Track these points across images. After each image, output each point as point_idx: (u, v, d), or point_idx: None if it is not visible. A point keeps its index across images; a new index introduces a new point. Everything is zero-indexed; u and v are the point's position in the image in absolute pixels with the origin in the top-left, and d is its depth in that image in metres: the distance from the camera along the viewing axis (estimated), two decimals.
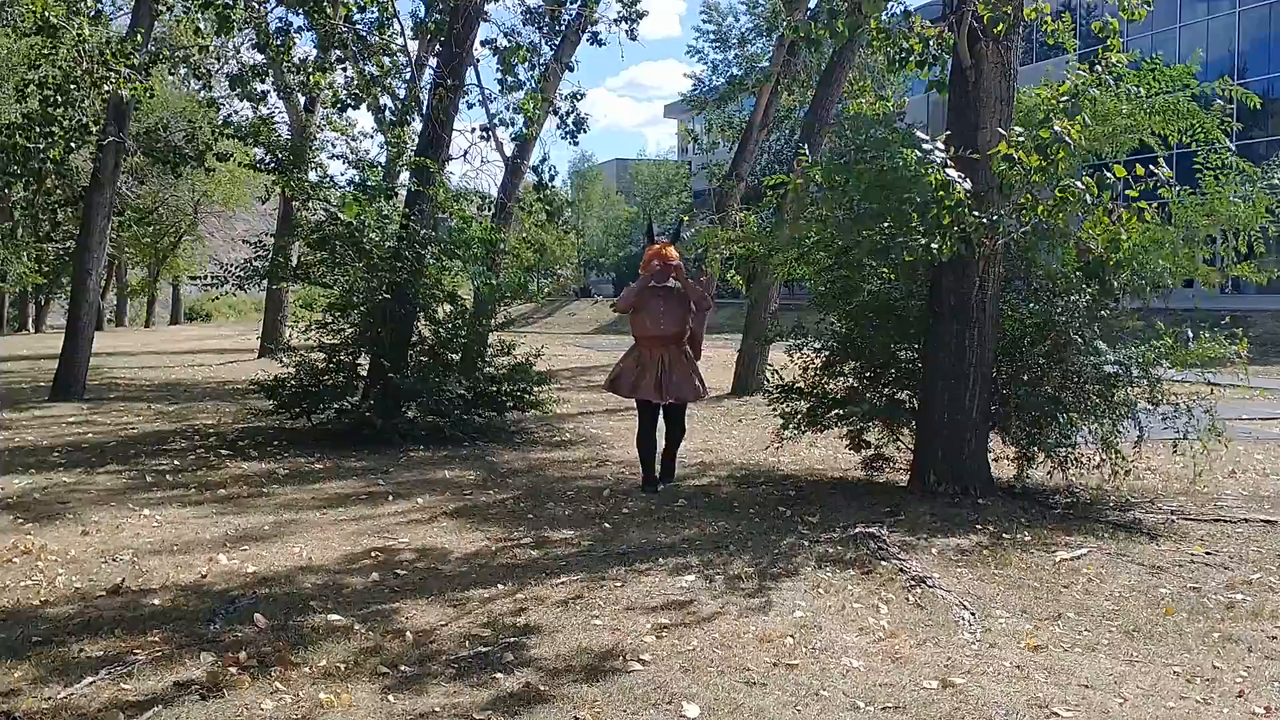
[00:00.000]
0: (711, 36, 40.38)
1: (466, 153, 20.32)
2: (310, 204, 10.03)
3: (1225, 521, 6.22)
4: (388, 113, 11.37)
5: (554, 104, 12.55)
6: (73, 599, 4.64)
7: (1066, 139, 5.75)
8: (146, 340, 31.94)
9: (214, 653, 3.89)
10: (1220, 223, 6.81)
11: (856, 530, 5.77)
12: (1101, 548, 5.57)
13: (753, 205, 7.90)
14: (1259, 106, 7.84)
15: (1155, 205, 6.67)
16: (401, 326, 9.75)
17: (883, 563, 5.19)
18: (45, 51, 11.33)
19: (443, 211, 10.41)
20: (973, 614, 4.44)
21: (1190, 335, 6.57)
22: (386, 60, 11.49)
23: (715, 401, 13.39)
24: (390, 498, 6.97)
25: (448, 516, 6.39)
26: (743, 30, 37.99)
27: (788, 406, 7.58)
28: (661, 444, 7.26)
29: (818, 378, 7.54)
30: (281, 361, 9.84)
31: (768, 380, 8.78)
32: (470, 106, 13.54)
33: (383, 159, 13.05)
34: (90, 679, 3.65)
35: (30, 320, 41.02)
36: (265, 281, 11.23)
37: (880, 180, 6.80)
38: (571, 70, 17.31)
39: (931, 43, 6.61)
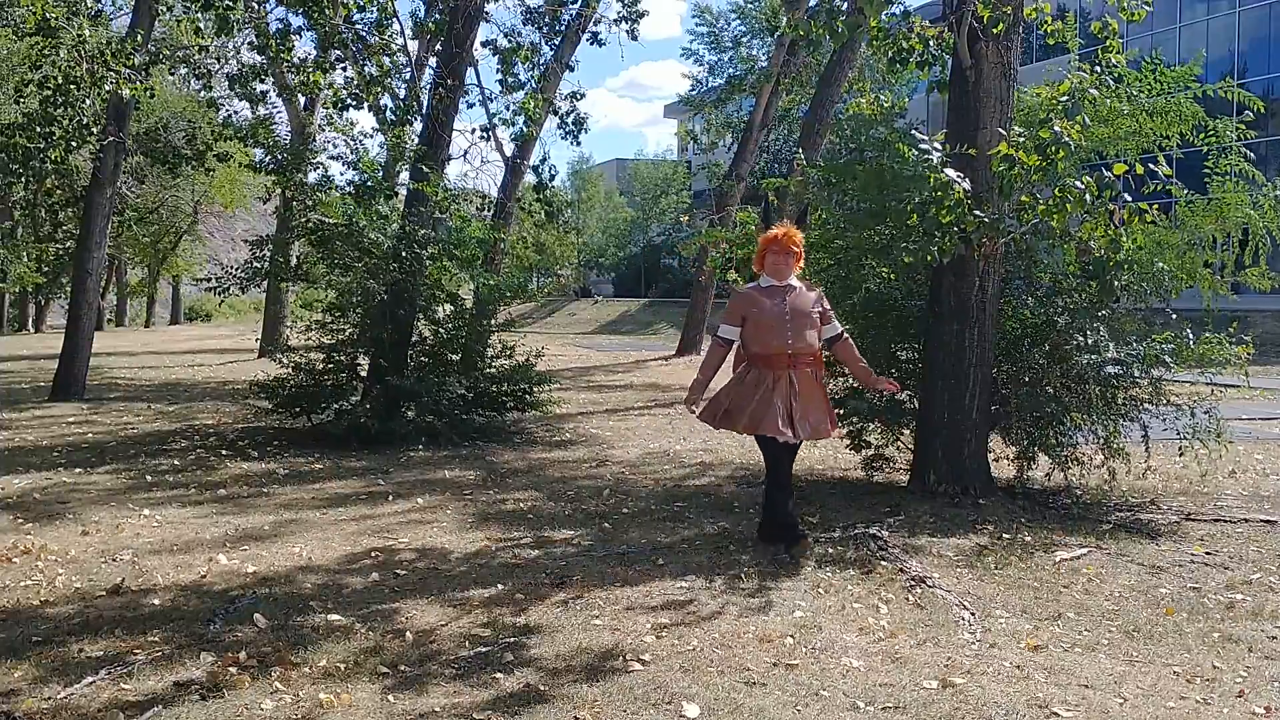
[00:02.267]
0: (706, 38, 40.44)
1: (466, 153, 20.36)
2: (306, 204, 10.05)
3: (1225, 521, 6.22)
4: (388, 113, 11.37)
5: (554, 104, 12.56)
6: (73, 599, 4.64)
7: (1066, 139, 5.75)
8: (146, 340, 31.96)
9: (214, 653, 3.89)
10: (1227, 228, 6.80)
11: (856, 530, 5.77)
12: (1101, 548, 5.57)
13: (752, 205, 7.87)
14: (1263, 110, 7.83)
15: (1156, 206, 6.67)
16: (401, 327, 9.75)
17: (883, 563, 5.19)
18: (45, 52, 11.33)
19: (441, 211, 10.41)
20: (973, 614, 4.44)
21: (1191, 336, 6.57)
22: (386, 60, 11.49)
23: None
24: (390, 498, 6.97)
25: (448, 516, 6.39)
26: (735, 33, 38.07)
27: None
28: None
29: None
30: (281, 362, 9.84)
31: None
32: (470, 106, 13.59)
33: (383, 159, 13.05)
34: (90, 679, 3.65)
35: (30, 320, 41.06)
36: (265, 282, 11.26)
37: (880, 180, 6.80)
38: (571, 70, 17.36)
39: (931, 43, 6.62)
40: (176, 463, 8.32)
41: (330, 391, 9.52)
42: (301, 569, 5.14)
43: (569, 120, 12.51)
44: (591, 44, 14.22)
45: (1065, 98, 6.17)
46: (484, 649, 3.98)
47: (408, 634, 4.14)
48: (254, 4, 12.68)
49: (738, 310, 5.50)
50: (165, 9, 13.67)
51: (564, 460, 8.64)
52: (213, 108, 13.92)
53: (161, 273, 44.53)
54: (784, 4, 16.83)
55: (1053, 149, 5.78)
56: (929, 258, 6.07)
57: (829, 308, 5.58)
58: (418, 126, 11.39)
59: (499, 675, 3.71)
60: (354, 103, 11.31)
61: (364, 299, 9.57)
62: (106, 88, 11.41)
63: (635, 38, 14.44)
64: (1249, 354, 6.54)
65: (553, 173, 12.54)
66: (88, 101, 12.13)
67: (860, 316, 7.32)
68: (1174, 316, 6.72)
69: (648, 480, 7.66)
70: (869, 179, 6.92)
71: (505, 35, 12.34)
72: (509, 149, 13.17)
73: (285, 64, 11.39)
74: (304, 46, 44.83)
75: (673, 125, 58.36)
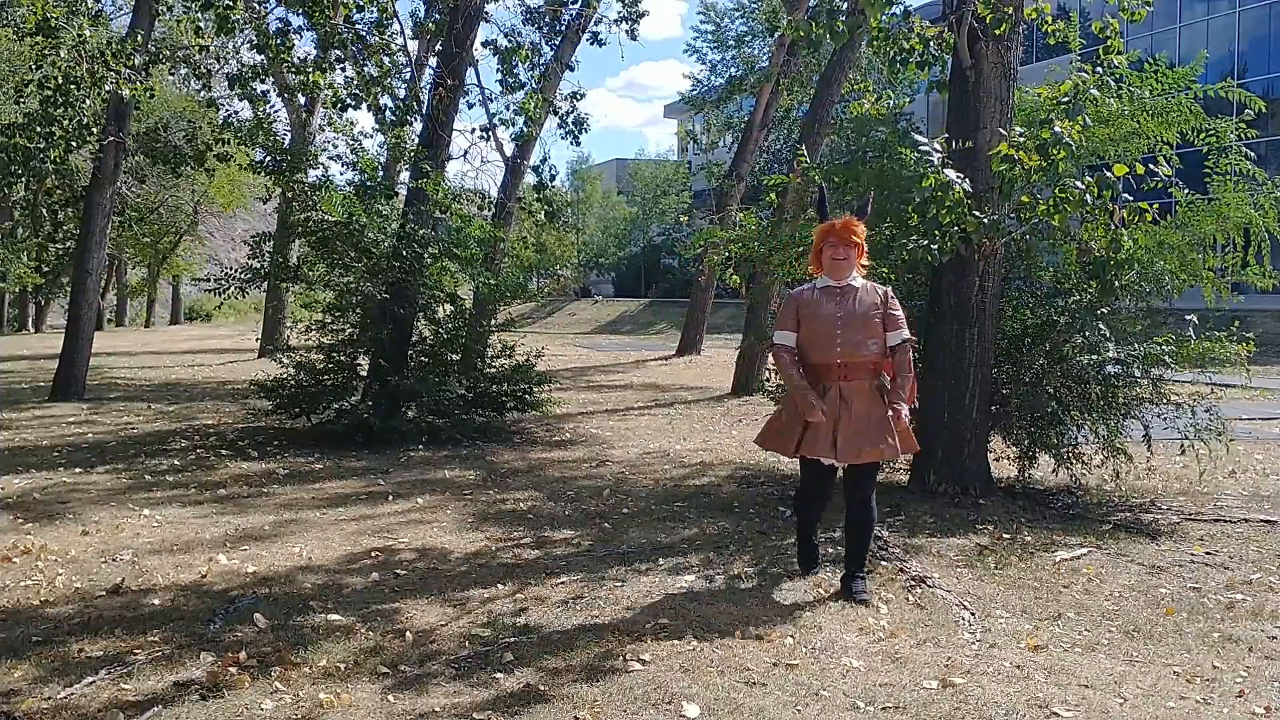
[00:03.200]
0: (710, 37, 40.45)
1: (466, 153, 20.36)
2: (307, 203, 10.07)
3: (1225, 521, 6.22)
4: (388, 113, 11.36)
5: (554, 104, 12.56)
6: (73, 599, 4.64)
7: (1067, 139, 5.75)
8: (146, 340, 31.95)
9: (214, 653, 3.89)
10: (1229, 228, 6.80)
11: None
12: (1101, 548, 5.57)
13: (752, 205, 7.86)
14: (1264, 110, 7.80)
15: (1156, 206, 6.66)
16: (401, 327, 9.75)
17: (883, 563, 5.19)
18: (45, 52, 11.33)
19: (441, 211, 10.41)
20: (973, 614, 4.44)
21: (1193, 333, 6.56)
22: (386, 60, 11.48)
23: (715, 401, 13.40)
24: (390, 498, 6.97)
25: (448, 516, 6.39)
26: (739, 32, 38.11)
27: None
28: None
29: None
30: (281, 362, 9.85)
31: (768, 380, 8.78)
32: (470, 106, 13.60)
33: (383, 159, 13.04)
34: (90, 679, 3.65)
35: (30, 320, 41.05)
36: (265, 282, 11.26)
37: (880, 180, 6.80)
38: (572, 70, 17.36)
39: (931, 43, 6.62)
40: (176, 463, 8.31)
41: (330, 391, 9.52)
42: (301, 569, 5.14)
43: (569, 120, 12.50)
44: (591, 44, 14.22)
45: (1066, 98, 6.16)
46: (484, 649, 3.98)
47: (408, 634, 4.14)
48: (254, 4, 12.68)
49: (790, 314, 4.82)
50: (165, 9, 13.67)
51: (564, 460, 8.64)
52: (213, 108, 13.92)
53: (161, 273, 44.50)
54: (784, 4, 16.84)
55: (1053, 149, 5.78)
56: (929, 258, 6.07)
57: (897, 311, 4.76)
58: (418, 126, 11.39)
59: (499, 675, 3.71)
60: (354, 103, 11.30)
61: (364, 299, 9.57)
62: (106, 88, 11.41)
63: (635, 38, 14.44)
64: (1249, 352, 6.54)
65: (553, 173, 12.54)
66: (88, 101, 12.13)
67: None
68: (1188, 317, 6.65)
69: (648, 480, 7.66)
70: (870, 180, 6.92)
71: (505, 35, 12.32)
72: (509, 149, 13.17)
73: (285, 64, 11.40)
74: (304, 46, 44.82)
75: (673, 125, 58.39)
